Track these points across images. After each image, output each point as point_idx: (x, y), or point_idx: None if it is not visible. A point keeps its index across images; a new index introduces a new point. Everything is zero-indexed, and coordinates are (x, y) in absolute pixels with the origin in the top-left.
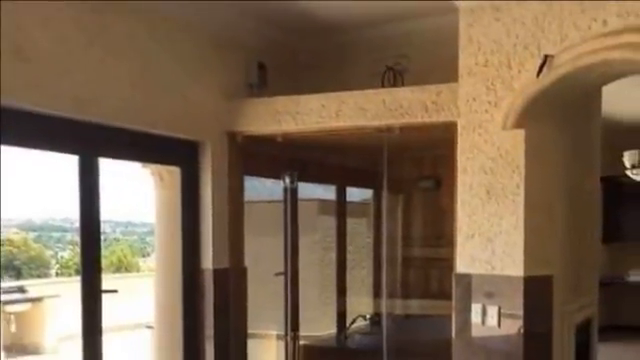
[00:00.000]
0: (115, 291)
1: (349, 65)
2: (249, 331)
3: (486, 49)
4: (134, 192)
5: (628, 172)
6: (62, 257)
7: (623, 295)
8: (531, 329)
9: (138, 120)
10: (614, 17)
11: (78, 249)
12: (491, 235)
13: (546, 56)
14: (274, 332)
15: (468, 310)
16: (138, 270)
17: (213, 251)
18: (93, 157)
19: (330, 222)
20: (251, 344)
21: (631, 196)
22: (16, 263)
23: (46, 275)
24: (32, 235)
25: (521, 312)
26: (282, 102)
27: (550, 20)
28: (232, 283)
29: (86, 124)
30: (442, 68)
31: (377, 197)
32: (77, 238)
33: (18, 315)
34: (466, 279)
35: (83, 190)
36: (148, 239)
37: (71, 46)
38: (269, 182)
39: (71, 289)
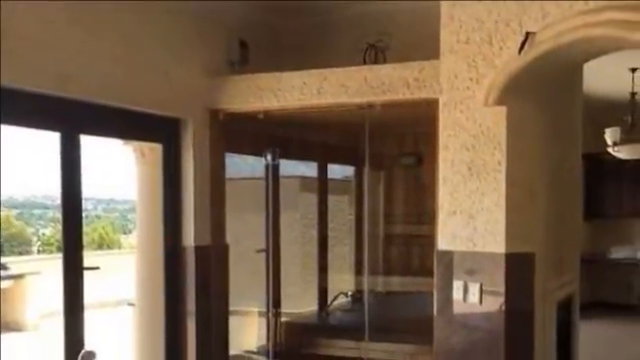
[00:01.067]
0: (97, 268)
1: (331, 42)
2: (231, 308)
3: (468, 26)
4: (116, 169)
5: (610, 149)
6: (44, 234)
7: (605, 272)
8: (513, 306)
9: (120, 97)
10: None
11: (60, 226)
12: (473, 212)
13: (528, 33)
14: (255, 309)
15: (449, 287)
16: (120, 247)
17: (194, 228)
18: (75, 134)
19: (311, 199)
20: (233, 321)
21: (613, 173)
22: None
23: (28, 252)
24: (14, 212)
25: (502, 289)
26: (264, 79)
27: None
28: (213, 260)
29: (68, 101)
30: (424, 45)
31: (358, 174)
32: (59, 215)
33: None
34: (447, 256)
35: (65, 167)
36: (130, 216)
37: (53, 24)
38: (251, 159)
39: (53, 266)
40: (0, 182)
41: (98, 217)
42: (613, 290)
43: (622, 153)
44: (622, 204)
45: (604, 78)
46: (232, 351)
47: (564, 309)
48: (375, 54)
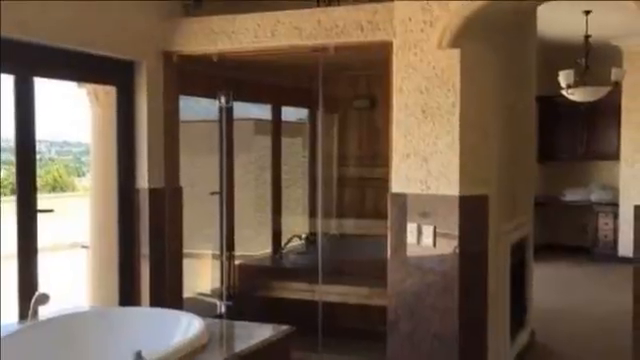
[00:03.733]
0: (51, 211)
1: None
2: (184, 250)
3: None
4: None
5: (563, 91)
6: None
7: (559, 215)
8: (466, 248)
9: (74, 39)
10: None
11: (13, 169)
12: (426, 155)
13: None
14: (209, 252)
15: (403, 230)
16: (74, 190)
17: (148, 171)
18: (28, 76)
19: (265, 142)
20: (186, 263)
21: (566, 115)
22: None
23: None
24: None
25: (456, 232)
26: (218, 22)
27: None
28: (167, 203)
29: (21, 43)
30: None
31: (312, 117)
32: (12, 158)
33: None
34: (401, 199)
35: (18, 110)
36: (84, 159)
37: None
38: (205, 102)
39: (6, 209)
40: None
41: (52, 160)
42: (567, 232)
43: (576, 96)
44: (576, 147)
45: (558, 21)
46: (186, 293)
47: (518, 251)
48: None
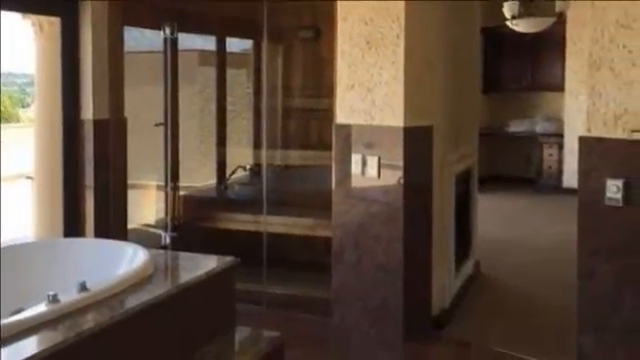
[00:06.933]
0: None
1: None
2: (129, 182)
3: None
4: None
5: (508, 23)
6: None
7: (503, 146)
8: (411, 179)
9: None
10: None
11: None
12: (371, 85)
13: None
14: (154, 183)
15: (348, 161)
16: (18, 120)
17: (93, 102)
18: None
19: (210, 73)
20: (131, 194)
21: (511, 46)
22: None
23: None
24: None
25: (401, 163)
26: None
27: None
28: (112, 134)
29: None
30: None
31: (257, 48)
32: None
33: None
34: (346, 130)
35: None
36: (28, 90)
37: None
38: (149, 33)
39: None
40: None
41: None
42: (512, 164)
43: (520, 27)
44: (521, 78)
45: None
46: (130, 224)
47: (463, 182)
48: None
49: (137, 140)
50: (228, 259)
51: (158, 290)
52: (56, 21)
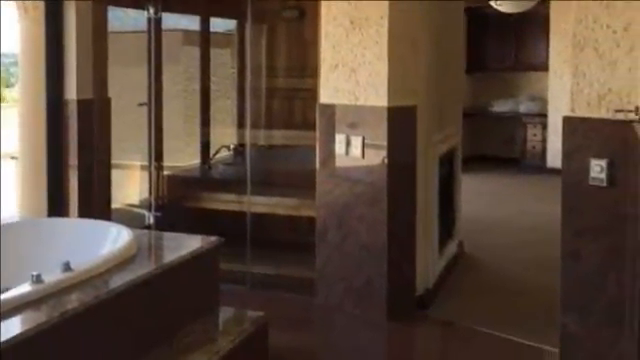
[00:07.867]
0: None
1: None
2: (113, 161)
3: None
4: None
5: (492, 3)
6: None
7: (487, 126)
8: (395, 159)
9: None
10: None
11: None
12: (355, 65)
13: None
14: (138, 163)
15: (332, 141)
16: (2, 101)
17: (77, 82)
18: None
19: (194, 53)
20: (115, 174)
21: (495, 27)
22: None
23: None
24: None
25: (385, 142)
26: None
27: None
28: (96, 114)
29: None
30: None
31: (241, 27)
32: None
33: None
34: (330, 109)
35: None
36: (12, 70)
37: None
38: (133, 12)
39: None
40: None
41: None
42: (495, 144)
43: (504, 7)
44: (505, 58)
45: None
46: (114, 204)
47: (447, 162)
48: None
49: (121, 120)
50: (212, 239)
51: (142, 270)
52: (40, 3)
